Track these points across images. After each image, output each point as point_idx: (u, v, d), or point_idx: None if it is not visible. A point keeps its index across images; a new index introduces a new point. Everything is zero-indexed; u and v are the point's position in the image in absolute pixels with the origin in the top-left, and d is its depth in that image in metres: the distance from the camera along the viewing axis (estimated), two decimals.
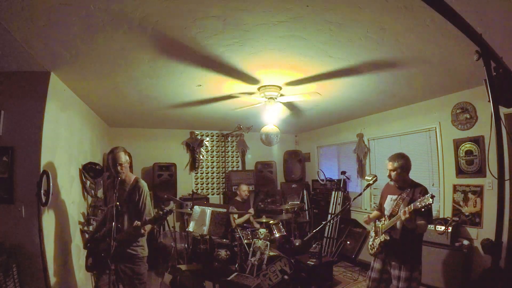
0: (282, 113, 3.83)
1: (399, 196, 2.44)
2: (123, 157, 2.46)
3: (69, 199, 3.04)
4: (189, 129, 6.04)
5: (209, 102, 3.84)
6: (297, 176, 6.22)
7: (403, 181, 2.48)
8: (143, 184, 2.52)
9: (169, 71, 2.75)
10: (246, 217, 4.63)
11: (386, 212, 2.51)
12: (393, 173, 2.46)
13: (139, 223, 2.29)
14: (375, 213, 2.72)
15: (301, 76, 2.98)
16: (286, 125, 5.38)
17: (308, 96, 3.34)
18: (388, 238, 2.37)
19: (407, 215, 2.15)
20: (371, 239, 2.59)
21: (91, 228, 3.39)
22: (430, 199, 2.06)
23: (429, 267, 3.12)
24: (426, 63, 2.65)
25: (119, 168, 2.42)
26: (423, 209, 2.11)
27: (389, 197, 2.55)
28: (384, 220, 2.47)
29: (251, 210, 4.73)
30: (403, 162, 2.45)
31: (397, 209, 2.38)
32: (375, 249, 2.48)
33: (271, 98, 3.29)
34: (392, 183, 2.54)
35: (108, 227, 2.41)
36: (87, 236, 3.12)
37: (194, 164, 5.99)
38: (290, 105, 4.06)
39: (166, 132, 5.92)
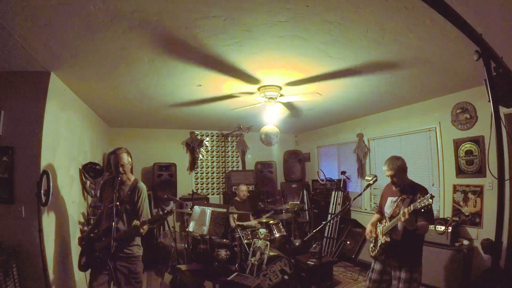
0: (282, 113, 3.81)
1: (399, 198, 2.43)
2: (125, 158, 2.48)
3: (69, 199, 3.04)
4: (189, 129, 6.04)
5: (209, 102, 3.84)
6: (297, 176, 6.21)
7: (403, 183, 2.47)
8: (142, 186, 2.52)
9: (169, 71, 2.75)
10: (249, 223, 4.59)
11: (387, 214, 2.50)
12: (394, 179, 2.45)
13: (138, 222, 2.30)
14: (375, 216, 2.71)
15: (301, 76, 2.98)
16: (286, 125, 5.38)
17: (308, 96, 3.34)
18: (388, 239, 2.37)
19: (407, 216, 2.15)
20: (372, 240, 2.59)
21: (89, 227, 3.39)
22: (430, 199, 2.05)
23: (429, 267, 3.12)
24: (426, 63, 2.65)
25: (120, 169, 2.43)
26: (422, 210, 2.11)
27: (389, 199, 2.54)
28: (385, 222, 2.47)
29: (253, 222, 4.65)
30: (400, 164, 2.44)
31: (397, 211, 2.37)
32: (376, 251, 2.48)
33: (271, 98, 3.29)
34: (393, 188, 2.53)
35: (104, 227, 2.41)
36: (84, 233, 3.12)
37: (193, 164, 5.99)
38: (290, 105, 4.06)
39: (166, 132, 5.92)
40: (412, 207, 2.15)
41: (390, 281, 2.43)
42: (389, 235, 2.38)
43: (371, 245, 2.58)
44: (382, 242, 2.41)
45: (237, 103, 3.81)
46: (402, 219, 2.18)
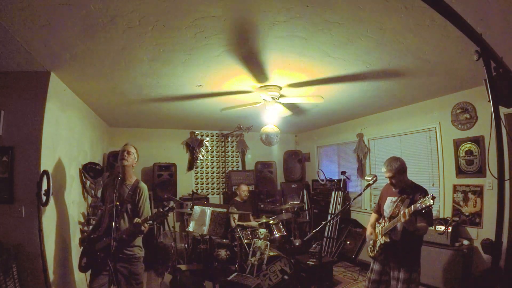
0: (283, 113, 3.81)
1: (399, 198, 2.42)
2: (133, 149, 2.57)
3: (69, 199, 3.04)
4: (189, 129, 6.04)
5: (209, 96, 3.81)
6: (297, 176, 6.22)
7: (403, 183, 2.47)
8: (144, 187, 2.53)
9: (169, 71, 2.75)
10: (250, 223, 4.59)
11: (386, 214, 2.49)
12: (393, 180, 2.44)
13: (139, 220, 2.30)
14: (373, 216, 2.71)
15: (303, 77, 2.99)
16: (286, 125, 5.38)
17: (310, 99, 3.34)
18: (388, 240, 2.36)
19: (407, 217, 2.14)
20: (370, 242, 2.59)
21: (90, 228, 3.39)
22: (431, 200, 2.04)
23: (429, 267, 3.12)
24: (426, 63, 2.65)
25: (125, 154, 2.49)
26: (423, 210, 2.10)
27: (388, 198, 2.53)
28: (384, 222, 2.46)
29: (254, 223, 4.64)
30: (399, 165, 2.42)
31: (397, 211, 2.36)
32: (375, 251, 2.48)
33: (271, 98, 3.28)
34: (393, 189, 2.52)
35: (105, 227, 2.41)
36: (85, 234, 3.12)
37: (192, 164, 5.99)
38: (292, 106, 4.05)
39: (166, 132, 5.92)
40: (413, 207, 2.14)
41: (389, 281, 2.43)
42: (389, 235, 2.37)
43: (370, 245, 2.58)
44: (382, 242, 2.40)
45: (237, 103, 3.81)
46: (402, 219, 2.16)
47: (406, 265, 2.32)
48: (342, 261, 4.70)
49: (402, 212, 2.21)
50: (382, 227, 2.45)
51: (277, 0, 1.69)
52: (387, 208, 2.50)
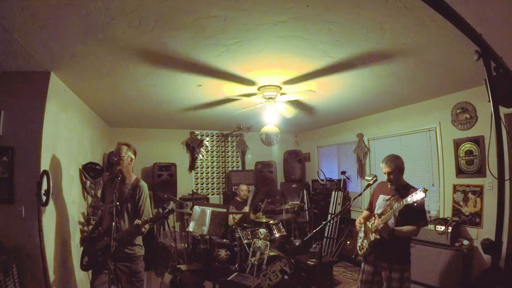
0: (288, 112, 3.77)
1: (393, 197, 2.42)
2: (124, 151, 2.50)
3: (69, 199, 3.04)
4: (189, 129, 6.04)
5: (209, 106, 3.82)
6: (297, 176, 6.21)
7: (399, 183, 2.47)
8: (144, 185, 2.52)
9: (169, 71, 2.75)
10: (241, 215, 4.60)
11: (377, 211, 2.49)
12: (391, 176, 2.45)
13: (139, 221, 2.30)
14: (365, 213, 2.70)
15: (298, 74, 2.96)
16: (286, 125, 5.38)
17: (303, 94, 3.30)
18: (378, 236, 2.36)
19: (382, 224, 2.26)
20: (360, 240, 2.58)
21: (91, 228, 3.39)
22: (423, 193, 2.05)
23: (429, 267, 3.12)
24: (426, 63, 2.65)
25: (115, 160, 2.46)
26: (415, 204, 2.10)
27: (381, 196, 2.53)
28: (374, 220, 2.45)
29: (247, 208, 4.68)
30: (398, 163, 2.44)
31: (389, 209, 2.36)
32: (365, 249, 2.47)
33: (270, 98, 3.28)
34: (389, 185, 2.53)
35: (106, 226, 2.41)
36: (85, 234, 3.12)
37: (193, 164, 5.99)
38: (298, 104, 4.00)
39: (166, 132, 5.92)
40: (404, 202, 2.15)
41: (381, 282, 2.42)
42: (379, 233, 2.37)
43: (359, 244, 2.58)
44: (371, 239, 2.40)
45: (238, 105, 3.80)
46: (381, 225, 2.27)
47: (398, 263, 2.32)
48: (342, 261, 4.71)
49: (376, 222, 2.29)
50: (371, 225, 2.45)
51: (277, 0, 1.69)
52: (379, 206, 2.50)
